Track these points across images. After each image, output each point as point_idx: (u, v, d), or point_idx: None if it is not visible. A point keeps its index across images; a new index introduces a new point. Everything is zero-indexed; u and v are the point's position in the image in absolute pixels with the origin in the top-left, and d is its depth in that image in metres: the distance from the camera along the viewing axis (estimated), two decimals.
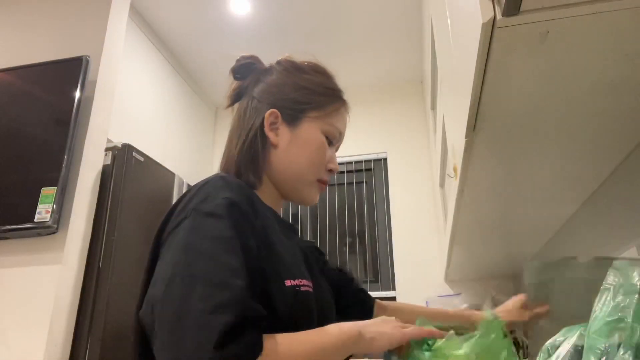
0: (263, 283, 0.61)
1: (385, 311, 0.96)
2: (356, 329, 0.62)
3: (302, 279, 0.68)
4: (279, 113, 0.78)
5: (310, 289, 0.69)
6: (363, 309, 0.96)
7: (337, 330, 0.62)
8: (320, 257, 0.94)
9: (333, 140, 0.81)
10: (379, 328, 0.64)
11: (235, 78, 0.86)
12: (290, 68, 0.83)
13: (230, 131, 0.83)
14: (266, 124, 0.77)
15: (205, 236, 0.59)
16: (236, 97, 0.85)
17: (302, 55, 0.85)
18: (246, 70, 0.85)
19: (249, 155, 0.77)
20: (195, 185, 0.68)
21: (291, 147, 0.77)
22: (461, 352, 0.65)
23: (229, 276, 0.55)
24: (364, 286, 1.11)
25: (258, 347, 0.52)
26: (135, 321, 0.62)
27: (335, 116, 0.81)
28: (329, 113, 0.80)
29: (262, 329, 0.55)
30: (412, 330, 0.66)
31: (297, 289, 0.66)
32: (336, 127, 0.81)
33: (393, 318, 0.68)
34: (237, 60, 0.85)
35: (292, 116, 0.78)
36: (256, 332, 0.54)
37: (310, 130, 0.78)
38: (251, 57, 0.86)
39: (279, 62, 0.85)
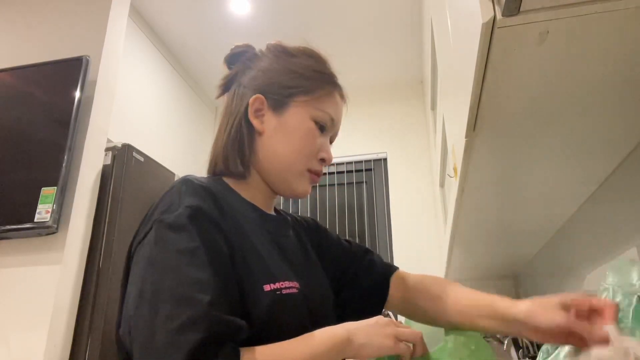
0: (240, 290, 0.59)
1: (406, 290, 0.82)
2: (345, 335, 0.58)
3: (284, 281, 0.63)
4: (264, 99, 0.74)
5: (296, 290, 0.64)
6: (377, 295, 0.83)
7: (325, 336, 0.58)
8: (317, 234, 0.87)
9: (325, 126, 0.75)
10: (370, 334, 0.59)
11: (229, 68, 0.81)
12: (280, 53, 0.78)
13: (219, 124, 0.80)
14: (250, 110, 0.73)
15: (169, 250, 0.56)
16: (226, 86, 0.81)
17: (295, 41, 0.80)
18: (238, 59, 0.81)
19: (235, 144, 0.74)
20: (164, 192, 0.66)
21: (277, 134, 0.73)
22: None
23: (195, 291, 0.52)
24: None
25: None
26: (117, 340, 0.60)
27: (326, 101, 0.75)
28: (318, 98, 0.74)
29: (239, 342, 0.53)
30: (405, 348, 0.60)
31: (278, 292, 0.62)
32: (327, 112, 0.74)
33: (390, 320, 0.62)
34: (231, 49, 0.81)
35: (279, 101, 0.74)
36: (231, 348, 0.51)
37: (297, 115, 0.73)
38: (245, 45, 0.81)
39: (268, 48, 0.80)
